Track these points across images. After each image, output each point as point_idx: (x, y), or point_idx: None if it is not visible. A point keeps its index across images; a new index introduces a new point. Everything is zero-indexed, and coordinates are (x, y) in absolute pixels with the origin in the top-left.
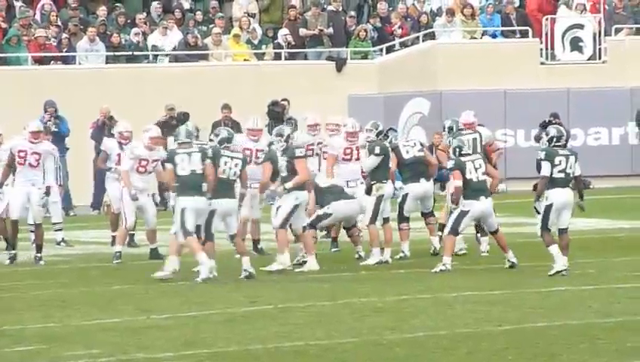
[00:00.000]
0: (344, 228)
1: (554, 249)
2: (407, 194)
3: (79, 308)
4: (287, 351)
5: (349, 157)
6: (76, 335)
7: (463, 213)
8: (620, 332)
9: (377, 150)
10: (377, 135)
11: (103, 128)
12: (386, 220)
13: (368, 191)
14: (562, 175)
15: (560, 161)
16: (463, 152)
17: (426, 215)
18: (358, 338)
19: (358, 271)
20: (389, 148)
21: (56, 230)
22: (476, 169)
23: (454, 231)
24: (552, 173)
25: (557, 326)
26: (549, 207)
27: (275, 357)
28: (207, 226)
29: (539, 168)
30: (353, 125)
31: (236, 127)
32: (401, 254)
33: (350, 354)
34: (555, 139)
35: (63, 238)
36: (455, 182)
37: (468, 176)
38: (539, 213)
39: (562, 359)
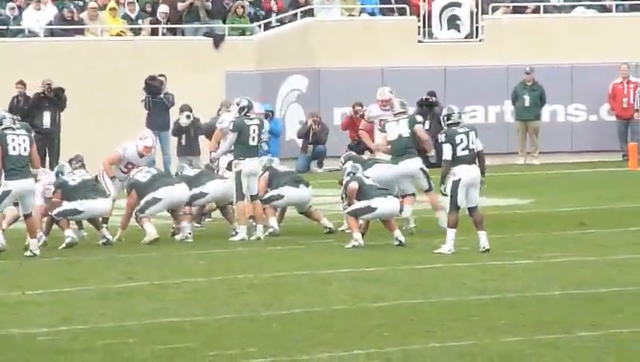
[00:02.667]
0: (219, 206)
1: (452, 233)
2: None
3: None
4: (163, 327)
5: None
6: None
7: None
8: (494, 309)
9: (231, 126)
10: (239, 112)
11: None
12: (253, 197)
13: (229, 167)
14: (466, 152)
15: (461, 140)
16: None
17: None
18: (234, 314)
19: (235, 248)
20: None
21: None
22: None
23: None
24: (455, 153)
25: (431, 303)
26: (456, 183)
27: (151, 332)
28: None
29: (440, 152)
30: None
31: (26, 102)
32: (270, 230)
33: (226, 329)
34: (446, 118)
35: None
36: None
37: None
38: (445, 195)
39: (436, 335)
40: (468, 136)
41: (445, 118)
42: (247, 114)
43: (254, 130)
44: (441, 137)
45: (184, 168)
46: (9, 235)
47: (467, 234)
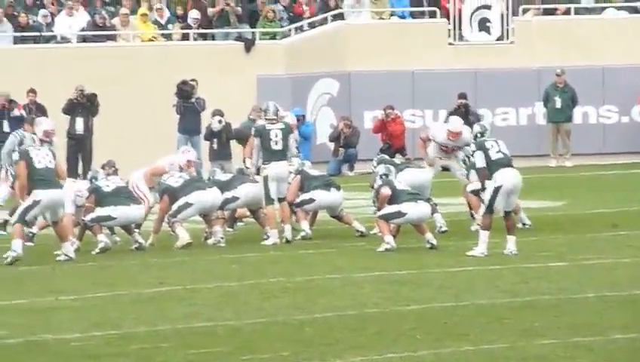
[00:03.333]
0: (251, 211)
1: (485, 235)
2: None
3: None
4: (196, 332)
5: None
6: None
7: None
8: (527, 311)
9: (253, 132)
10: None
11: (3, 112)
12: (281, 199)
13: (258, 172)
14: (501, 155)
15: (492, 145)
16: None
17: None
18: (267, 318)
19: (267, 252)
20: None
21: None
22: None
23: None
24: (490, 158)
25: (464, 306)
26: (497, 189)
27: (184, 337)
28: None
29: (474, 163)
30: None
31: (41, 110)
32: (302, 233)
33: (259, 334)
34: (479, 135)
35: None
36: None
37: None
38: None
39: (470, 339)
40: (497, 143)
41: (479, 134)
42: (269, 117)
43: (276, 135)
44: (472, 147)
45: (216, 173)
46: (42, 240)
47: (502, 237)
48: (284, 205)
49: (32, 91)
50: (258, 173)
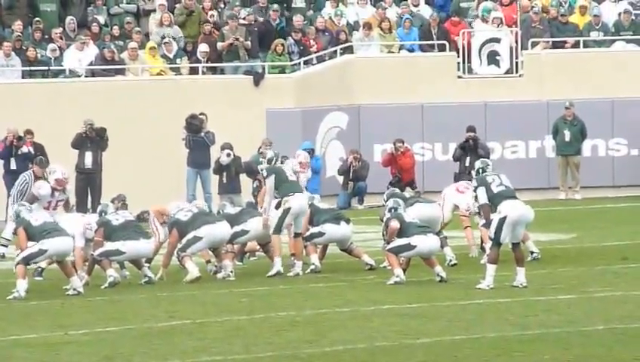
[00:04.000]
0: (260, 244)
1: (492, 269)
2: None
3: None
4: None
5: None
6: None
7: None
8: (537, 344)
9: (265, 173)
10: (268, 163)
11: (11, 148)
12: (297, 234)
13: (277, 206)
14: (503, 188)
15: (493, 179)
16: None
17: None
18: (277, 352)
19: (277, 286)
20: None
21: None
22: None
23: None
24: (492, 192)
25: (474, 339)
26: (502, 220)
27: None
28: None
29: (477, 199)
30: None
31: (39, 150)
32: (312, 267)
33: None
34: (481, 170)
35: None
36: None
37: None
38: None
39: None
40: (499, 176)
41: (480, 170)
42: (276, 162)
43: (289, 168)
44: (474, 183)
45: (225, 206)
46: (51, 276)
47: (511, 270)
48: (299, 240)
49: (29, 132)
50: (278, 207)
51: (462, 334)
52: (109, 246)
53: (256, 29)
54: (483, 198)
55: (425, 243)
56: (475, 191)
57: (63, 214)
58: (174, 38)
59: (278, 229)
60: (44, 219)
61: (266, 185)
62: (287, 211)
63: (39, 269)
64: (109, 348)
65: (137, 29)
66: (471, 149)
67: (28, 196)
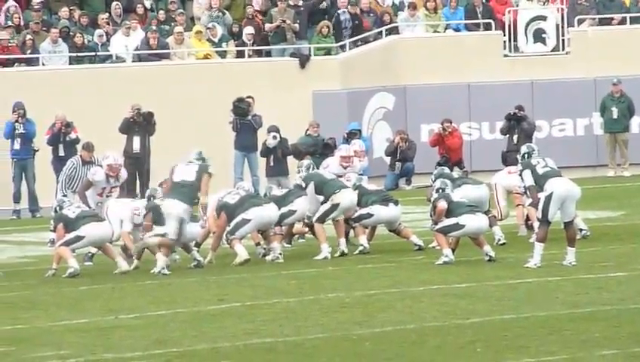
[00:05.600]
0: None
1: (540, 247)
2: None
3: (47, 309)
4: (256, 348)
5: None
6: (44, 337)
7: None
8: (587, 322)
9: (303, 183)
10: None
11: (59, 135)
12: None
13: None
14: (548, 168)
15: (538, 162)
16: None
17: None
18: (327, 333)
19: (326, 268)
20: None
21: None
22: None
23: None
24: (537, 173)
25: (524, 318)
26: (549, 197)
27: (244, 354)
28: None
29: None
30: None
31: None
32: (361, 248)
33: (319, 349)
34: (527, 155)
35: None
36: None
37: None
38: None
39: (530, 351)
40: (544, 159)
41: (526, 154)
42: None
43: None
44: (520, 166)
45: (272, 189)
46: (101, 260)
47: (561, 248)
48: (341, 221)
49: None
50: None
51: (511, 313)
52: (159, 230)
53: (302, 8)
54: (529, 180)
55: (473, 222)
56: (520, 174)
57: (111, 199)
58: (222, 21)
59: (321, 220)
60: (80, 208)
61: (307, 194)
62: (335, 206)
63: (89, 254)
64: (159, 331)
65: (181, 11)
66: (518, 120)
67: (83, 182)
